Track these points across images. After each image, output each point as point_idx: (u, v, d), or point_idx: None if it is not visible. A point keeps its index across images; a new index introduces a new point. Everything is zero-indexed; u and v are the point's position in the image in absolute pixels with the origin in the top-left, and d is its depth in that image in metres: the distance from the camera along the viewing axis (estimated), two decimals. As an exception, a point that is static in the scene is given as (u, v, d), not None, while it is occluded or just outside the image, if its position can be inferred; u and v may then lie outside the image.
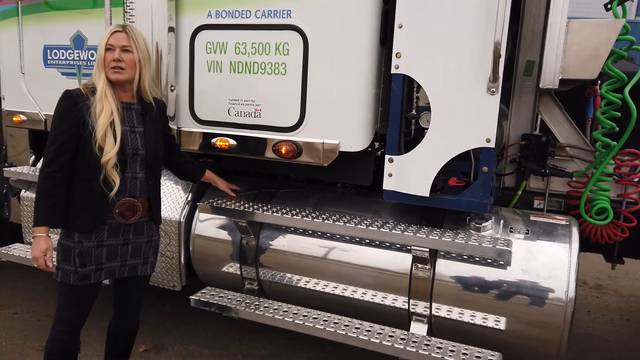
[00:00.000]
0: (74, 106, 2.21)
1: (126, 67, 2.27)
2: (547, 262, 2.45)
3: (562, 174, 2.88)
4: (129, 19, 2.85)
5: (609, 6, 2.55)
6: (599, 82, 2.94)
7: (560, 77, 2.36)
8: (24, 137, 3.89)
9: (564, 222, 2.58)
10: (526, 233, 2.57)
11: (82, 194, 2.25)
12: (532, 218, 2.65)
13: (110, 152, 2.19)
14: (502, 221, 2.65)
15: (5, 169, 3.71)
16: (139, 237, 2.41)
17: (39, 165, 3.29)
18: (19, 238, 3.84)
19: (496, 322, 2.53)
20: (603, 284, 5.07)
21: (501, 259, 2.43)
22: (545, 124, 3.02)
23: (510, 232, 2.59)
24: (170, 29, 2.85)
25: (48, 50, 3.39)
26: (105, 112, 2.20)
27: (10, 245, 3.71)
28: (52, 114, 2.29)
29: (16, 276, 4.40)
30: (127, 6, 2.84)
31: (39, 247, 2.22)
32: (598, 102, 2.90)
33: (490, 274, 2.52)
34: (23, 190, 3.71)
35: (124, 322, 2.58)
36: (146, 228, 2.43)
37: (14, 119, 3.67)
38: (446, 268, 2.59)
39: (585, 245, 3.03)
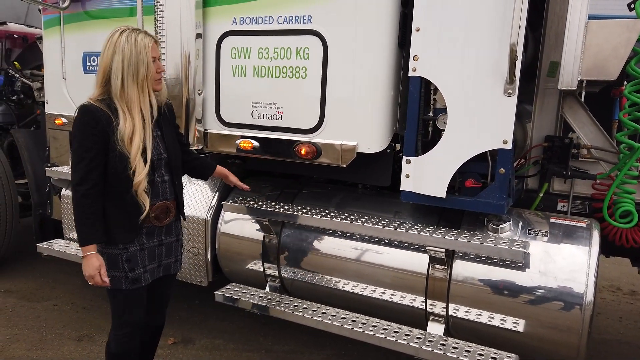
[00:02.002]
0: (95, 122, 2.16)
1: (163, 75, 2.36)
2: (565, 264, 2.43)
3: (584, 176, 2.83)
4: (160, 26, 3.00)
5: (632, 5, 2.50)
6: (625, 82, 2.88)
7: (579, 79, 2.34)
8: (66, 139, 4.11)
9: (584, 225, 2.55)
10: (545, 235, 2.56)
11: (117, 206, 2.24)
12: (552, 220, 2.63)
13: (140, 174, 2.17)
14: (521, 223, 2.64)
15: (48, 169, 3.94)
16: (170, 237, 2.46)
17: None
18: (60, 234, 4.08)
19: (514, 324, 2.52)
20: (638, 290, 4.90)
21: (517, 261, 2.43)
22: (570, 125, 2.97)
23: (529, 234, 2.58)
24: (198, 36, 2.98)
25: (87, 57, 3.59)
26: (138, 136, 2.17)
27: (52, 241, 3.95)
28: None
29: (57, 270, 4.67)
30: (157, 14, 2.99)
31: (91, 264, 2.20)
32: (623, 103, 2.84)
33: (507, 275, 2.51)
34: (64, 189, 3.94)
35: (152, 318, 2.61)
36: (174, 228, 2.49)
37: (56, 121, 3.90)
38: (463, 269, 2.61)
39: (611, 250, 2.97)
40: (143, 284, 2.34)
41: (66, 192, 3.91)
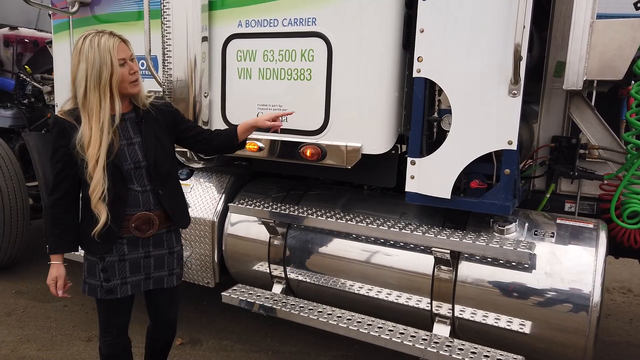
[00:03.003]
0: (62, 133, 2.10)
1: (139, 77, 2.18)
2: (572, 265, 2.41)
3: (592, 176, 2.81)
4: (166, 29, 3.02)
5: (638, 5, 2.48)
6: (632, 82, 2.86)
7: (584, 79, 2.32)
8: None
9: (591, 226, 2.53)
10: (552, 236, 2.54)
11: (92, 216, 2.12)
12: (558, 221, 2.61)
13: (94, 182, 2.06)
14: (527, 224, 2.63)
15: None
16: (159, 250, 2.33)
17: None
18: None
19: (521, 325, 2.51)
20: (650, 291, 4.85)
21: (523, 262, 2.42)
22: (577, 125, 2.95)
23: (535, 234, 2.57)
24: (204, 39, 3.01)
25: (95, 61, 3.63)
26: (93, 144, 2.05)
27: (62, 242, 4.00)
28: None
29: (67, 271, 4.69)
30: (164, 18, 3.01)
31: (50, 274, 2.24)
32: (631, 103, 2.82)
33: (513, 276, 2.50)
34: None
35: (160, 332, 2.57)
36: (166, 240, 2.34)
37: (66, 124, 3.95)
38: (469, 270, 2.60)
39: (620, 251, 2.94)
40: (119, 296, 2.25)
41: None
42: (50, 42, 4.25)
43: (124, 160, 2.18)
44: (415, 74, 2.51)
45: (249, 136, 2.60)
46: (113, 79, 2.07)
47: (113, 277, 2.24)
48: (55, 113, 2.20)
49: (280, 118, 2.54)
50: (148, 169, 2.22)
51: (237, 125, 2.52)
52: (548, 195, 2.91)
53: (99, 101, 2.06)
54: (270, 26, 2.81)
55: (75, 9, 3.53)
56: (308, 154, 2.77)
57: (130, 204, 2.20)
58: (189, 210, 3.32)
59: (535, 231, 2.58)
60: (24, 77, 5.22)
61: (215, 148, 2.52)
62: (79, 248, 2.30)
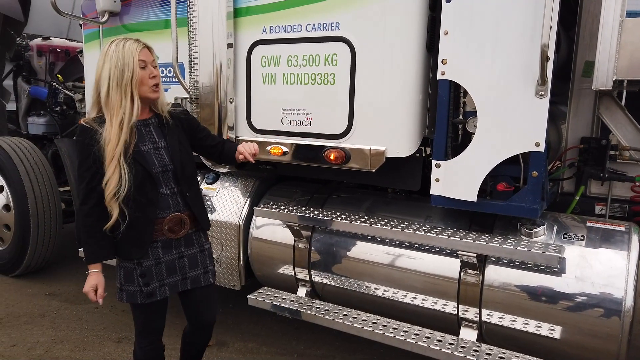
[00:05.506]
0: (91, 141, 2.15)
1: (159, 83, 2.27)
2: (603, 269, 2.36)
3: (623, 178, 2.74)
4: (193, 37, 3.09)
5: (670, 1, 2.42)
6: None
7: (614, 78, 2.27)
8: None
9: (623, 229, 2.47)
10: (582, 239, 2.49)
11: (122, 222, 2.18)
12: (588, 224, 2.56)
13: (110, 180, 2.10)
14: (556, 227, 2.58)
15: (89, 176, 4.10)
16: (191, 249, 2.40)
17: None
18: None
19: (550, 330, 2.46)
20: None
21: (552, 266, 2.37)
22: (607, 126, 2.89)
23: (564, 238, 2.52)
24: (229, 45, 3.06)
25: (124, 69, 3.73)
26: (113, 142, 2.11)
27: (93, 246, 4.11)
28: None
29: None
30: (191, 26, 3.08)
31: (88, 282, 2.25)
32: (663, 103, 2.75)
33: (542, 280, 2.46)
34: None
35: (198, 336, 2.58)
36: (195, 239, 2.41)
37: (96, 131, 4.06)
38: (496, 274, 2.56)
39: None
40: (158, 298, 2.32)
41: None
42: (81, 51, 4.38)
43: (152, 165, 2.23)
44: (439, 77, 2.50)
45: (274, 141, 2.61)
46: (133, 80, 2.15)
47: (152, 281, 2.30)
48: (80, 122, 2.23)
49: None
50: (175, 171, 2.29)
51: (239, 143, 2.56)
52: (577, 198, 2.85)
53: (119, 100, 2.13)
54: (294, 32, 2.84)
55: (105, 18, 3.64)
56: (332, 157, 2.78)
57: (162, 207, 2.27)
58: (215, 214, 3.41)
59: (564, 234, 2.53)
60: (56, 85, 5.40)
61: (225, 161, 2.70)
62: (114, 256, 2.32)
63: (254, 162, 2.51)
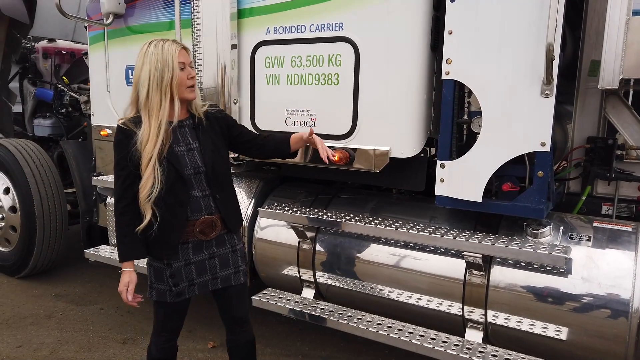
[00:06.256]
0: (127, 140, 2.16)
1: (195, 84, 2.28)
2: (610, 270, 2.34)
3: (630, 178, 2.72)
4: (197, 38, 3.09)
5: (677, 0, 2.40)
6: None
7: (620, 77, 2.25)
8: (111, 150, 4.24)
9: (629, 229, 2.44)
10: (588, 240, 2.47)
11: (158, 223, 2.20)
12: (595, 224, 2.54)
13: (145, 181, 2.11)
14: (562, 227, 2.56)
15: (94, 178, 4.12)
16: (223, 249, 2.39)
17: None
18: (105, 240, 4.25)
19: (557, 332, 2.45)
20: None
21: (558, 266, 2.35)
22: (613, 125, 2.87)
23: (571, 238, 2.50)
24: (233, 46, 3.06)
25: (129, 70, 3.74)
26: (150, 143, 2.12)
27: (98, 247, 4.13)
28: None
29: (103, 275, 4.86)
30: (194, 27, 3.08)
31: (122, 281, 2.26)
32: (671, 102, 2.73)
33: (548, 281, 2.44)
34: (109, 197, 4.10)
35: (237, 336, 2.56)
36: (227, 239, 2.40)
37: (102, 133, 4.08)
38: (502, 275, 2.55)
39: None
40: (187, 296, 2.35)
41: (111, 200, 4.06)
42: (87, 53, 4.40)
43: (185, 166, 2.23)
44: (444, 76, 2.48)
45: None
46: (173, 81, 2.15)
47: (181, 281, 2.31)
48: (118, 122, 2.23)
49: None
50: (207, 174, 2.28)
51: (291, 134, 2.52)
52: (584, 198, 2.83)
53: (159, 101, 2.14)
54: (298, 32, 2.84)
55: (109, 20, 3.65)
56: (336, 158, 2.77)
57: (193, 209, 2.26)
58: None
59: (570, 235, 2.51)
60: (62, 87, 5.43)
61: (268, 155, 2.59)
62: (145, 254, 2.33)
63: (327, 163, 2.43)
